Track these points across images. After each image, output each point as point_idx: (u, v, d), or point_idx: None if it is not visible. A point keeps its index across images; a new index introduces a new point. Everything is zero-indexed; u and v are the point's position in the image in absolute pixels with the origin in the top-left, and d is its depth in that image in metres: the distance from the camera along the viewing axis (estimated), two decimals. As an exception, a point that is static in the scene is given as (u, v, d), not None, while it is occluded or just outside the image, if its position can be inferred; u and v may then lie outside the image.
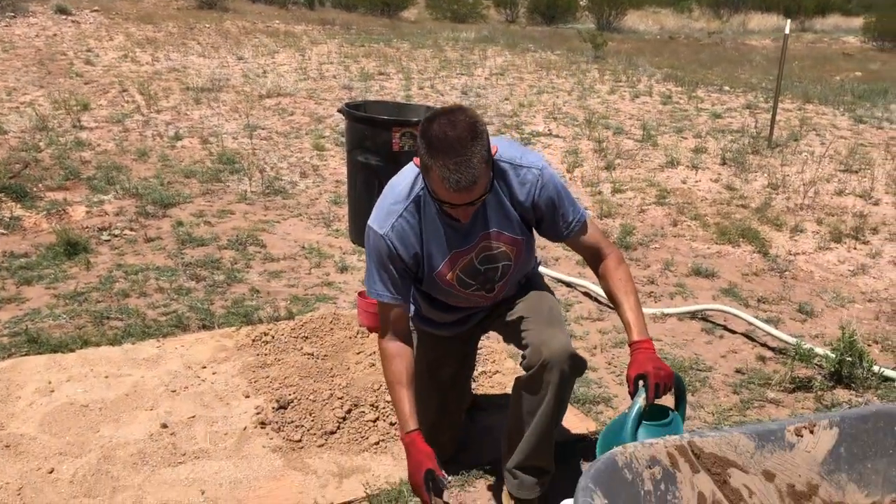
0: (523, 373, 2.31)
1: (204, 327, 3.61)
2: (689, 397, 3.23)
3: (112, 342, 3.35)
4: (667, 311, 4.04)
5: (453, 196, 2.04)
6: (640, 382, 2.10)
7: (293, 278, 4.28)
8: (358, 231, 4.83)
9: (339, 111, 4.96)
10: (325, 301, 3.99)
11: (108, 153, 6.58)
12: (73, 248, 4.38)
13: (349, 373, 3.10)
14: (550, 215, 2.29)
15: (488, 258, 2.33)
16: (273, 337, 3.41)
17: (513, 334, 2.41)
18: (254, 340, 3.41)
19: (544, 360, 2.23)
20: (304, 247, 4.74)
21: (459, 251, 2.31)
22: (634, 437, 2.02)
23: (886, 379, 3.37)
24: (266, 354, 3.29)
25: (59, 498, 2.40)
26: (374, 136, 4.53)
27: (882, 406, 1.89)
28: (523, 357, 2.31)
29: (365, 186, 4.66)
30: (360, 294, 3.60)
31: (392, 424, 2.87)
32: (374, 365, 3.16)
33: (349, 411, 2.88)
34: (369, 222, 2.28)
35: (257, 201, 5.59)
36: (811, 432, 1.77)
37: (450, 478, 2.63)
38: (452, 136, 1.99)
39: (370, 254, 2.28)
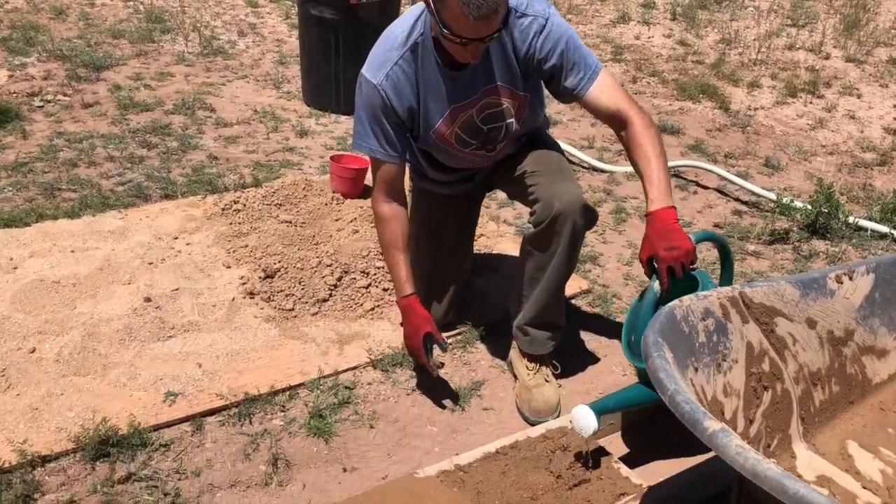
0: (531, 228, 2.23)
1: (166, 196, 3.38)
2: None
3: (70, 215, 3.11)
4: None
5: (472, 27, 1.86)
6: (655, 265, 1.97)
7: (251, 143, 4.04)
8: (314, 92, 4.57)
9: (286, -40, 4.57)
10: (289, 167, 3.79)
11: (20, 11, 5.98)
12: (3, 116, 4.01)
13: (333, 240, 2.97)
14: (560, 70, 2.13)
15: (491, 116, 2.19)
16: (244, 205, 3.22)
17: (520, 190, 2.30)
18: (223, 209, 3.22)
19: (556, 213, 2.14)
20: (256, 110, 4.46)
21: (459, 106, 2.16)
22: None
23: (859, 228, 3.45)
24: (240, 223, 3.12)
25: (46, 377, 2.25)
26: (329, -14, 4.20)
27: (915, 251, 1.90)
28: (532, 213, 2.22)
29: (319, 43, 4.37)
30: (333, 158, 3.44)
31: (386, 290, 2.78)
32: (357, 231, 3.03)
33: (340, 278, 2.77)
34: (362, 70, 2.12)
35: (197, 62, 5.20)
36: (850, 279, 1.77)
37: (450, 340, 2.59)
38: None
39: (362, 106, 2.14)
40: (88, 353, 2.35)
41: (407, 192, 2.38)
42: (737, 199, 3.81)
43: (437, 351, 2.30)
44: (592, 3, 7.48)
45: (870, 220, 3.47)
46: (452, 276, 2.56)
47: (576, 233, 2.18)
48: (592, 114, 2.22)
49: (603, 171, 3.97)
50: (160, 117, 4.24)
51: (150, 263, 2.79)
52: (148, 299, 2.59)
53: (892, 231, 3.39)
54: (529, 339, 2.36)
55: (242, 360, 2.42)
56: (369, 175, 3.43)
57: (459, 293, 2.61)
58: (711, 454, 2.05)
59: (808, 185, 4.06)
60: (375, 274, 2.82)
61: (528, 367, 2.37)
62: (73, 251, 2.83)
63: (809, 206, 3.42)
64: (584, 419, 1.87)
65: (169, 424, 2.17)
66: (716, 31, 6.79)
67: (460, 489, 1.92)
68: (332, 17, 4.26)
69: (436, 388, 2.39)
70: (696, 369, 1.51)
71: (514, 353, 2.45)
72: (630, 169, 3.70)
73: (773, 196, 3.58)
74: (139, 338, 2.45)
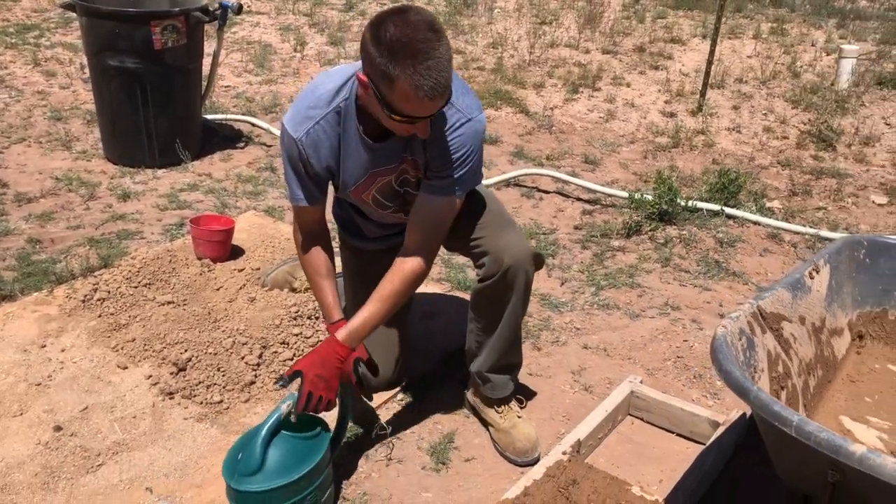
0: (480, 282, 2.19)
1: (4, 298, 2.89)
2: (552, 260, 3.37)
3: None
4: (486, 181, 4.10)
5: (425, 106, 1.79)
6: (296, 382, 1.96)
7: (72, 218, 3.57)
8: (121, 148, 4.16)
9: (64, 6, 4.09)
10: (131, 238, 3.41)
11: None
12: None
13: (232, 314, 2.73)
14: (438, 162, 2.02)
15: (407, 181, 2.14)
16: (108, 292, 2.85)
17: (462, 244, 2.24)
18: (84, 300, 2.82)
19: (507, 267, 2.12)
20: (57, 178, 3.94)
21: (377, 171, 2.10)
22: (266, 448, 1.85)
23: (695, 210, 3.82)
24: (112, 314, 2.75)
25: (-30, 557, 1.85)
26: (129, 34, 3.83)
27: (847, 237, 2.15)
28: (480, 265, 2.19)
29: (124, 94, 3.99)
30: (193, 222, 3.16)
31: (312, 357, 2.61)
32: (254, 300, 2.82)
33: (260, 355, 2.56)
34: (284, 120, 2.06)
35: (-46, 130, 4.49)
36: (818, 272, 1.96)
37: (400, 397, 2.51)
38: (418, 38, 1.72)
39: (283, 151, 2.10)
40: (10, 511, 1.96)
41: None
42: (578, 199, 4.05)
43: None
44: (356, 19, 7.50)
45: (701, 201, 3.86)
46: (396, 329, 2.45)
47: (528, 281, 2.19)
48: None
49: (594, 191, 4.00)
50: (-57, 203, 3.60)
51: (38, 384, 2.38)
52: (58, 428, 2.21)
53: (723, 208, 3.80)
54: (491, 386, 2.34)
55: (195, 472, 2.15)
56: (235, 233, 3.23)
57: (406, 346, 2.50)
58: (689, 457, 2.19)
59: (627, 175, 4.42)
60: (296, 342, 2.63)
61: (497, 411, 2.35)
62: (-76, 390, 2.34)
63: (651, 198, 3.72)
64: None
65: (150, 569, 1.88)
66: (481, 35, 7.12)
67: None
68: (136, 65, 3.88)
69: (412, 452, 2.29)
70: (747, 387, 1.61)
71: (475, 399, 2.42)
72: (615, 192, 3.88)
73: (625, 194, 3.85)
74: (64, 475, 2.08)
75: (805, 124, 5.21)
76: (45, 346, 2.60)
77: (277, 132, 4.67)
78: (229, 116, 4.88)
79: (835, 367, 2.03)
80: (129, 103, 3.97)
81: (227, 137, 4.62)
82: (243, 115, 4.94)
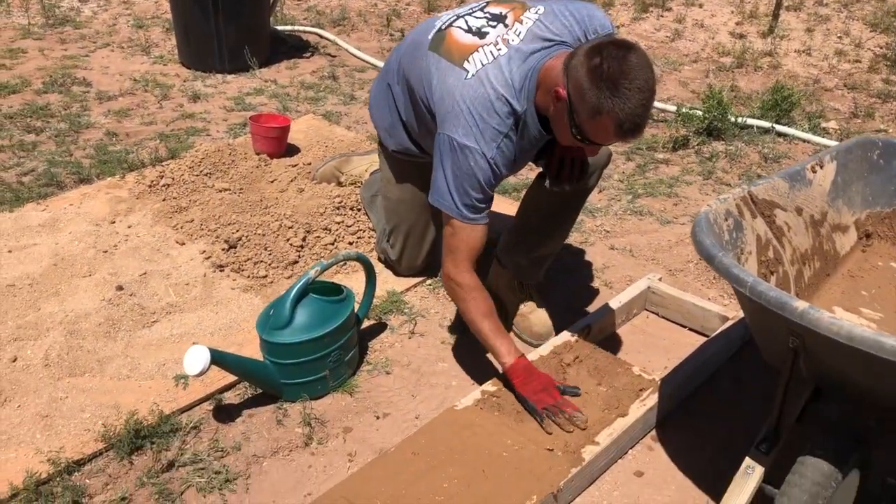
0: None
1: (82, 181, 3.19)
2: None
3: (-17, 214, 2.88)
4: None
5: (617, 139, 1.86)
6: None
7: (146, 115, 3.84)
8: (194, 54, 4.39)
9: (143, -85, 4.29)
10: (198, 134, 3.66)
11: None
12: None
13: (282, 202, 2.94)
14: None
15: None
16: (173, 179, 3.10)
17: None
18: (151, 186, 3.09)
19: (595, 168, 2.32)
20: (135, 80, 4.22)
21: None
22: (294, 307, 2.07)
23: (745, 127, 3.82)
24: (175, 198, 3.01)
25: (42, 383, 2.14)
26: (201, -58, 4.00)
27: (860, 137, 2.18)
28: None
29: (195, 2, 4.18)
30: (252, 118, 3.36)
31: (351, 244, 2.81)
32: (303, 191, 3.02)
33: (304, 238, 2.77)
34: (463, 139, 1.97)
35: (46, 35, 4.82)
36: (821, 167, 2.02)
37: (429, 282, 2.69)
38: (639, 78, 1.75)
39: (463, 174, 1.99)
40: (77, 352, 2.25)
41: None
42: (631, 114, 4.08)
43: None
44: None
45: (752, 118, 3.85)
46: (434, 223, 2.60)
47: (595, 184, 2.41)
48: None
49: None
50: (33, 98, 3.93)
51: (105, 251, 2.66)
52: (120, 287, 2.49)
53: (773, 125, 3.78)
54: (526, 269, 2.48)
55: (237, 333, 2.40)
56: (292, 133, 3.44)
57: (438, 239, 2.65)
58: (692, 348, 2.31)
59: (685, 92, 4.41)
60: (338, 229, 2.84)
61: (519, 296, 2.50)
62: (10, 251, 2.65)
63: (700, 113, 3.73)
64: (195, 359, 1.95)
65: (190, 406, 2.14)
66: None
67: (500, 412, 2.05)
68: (207, -27, 4.08)
69: (434, 328, 2.48)
70: (729, 264, 1.71)
71: (501, 281, 2.55)
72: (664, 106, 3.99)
73: (672, 108, 3.87)
74: (124, 328, 2.36)
75: (881, 48, 5.04)
76: (114, 222, 2.88)
77: (343, 44, 4.83)
78: (297, 28, 5.06)
79: (836, 262, 2.09)
80: (201, 11, 4.18)
81: (294, 47, 4.81)
82: (312, 27, 5.11)
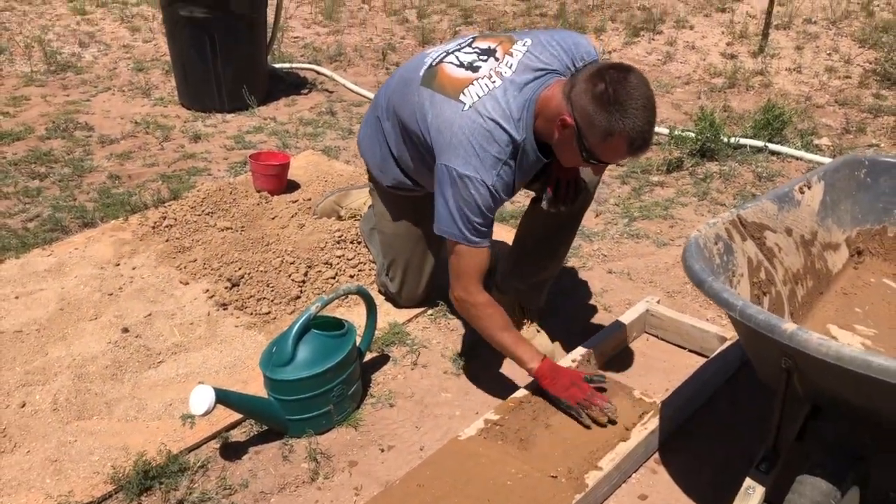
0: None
1: (86, 225, 3.24)
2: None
3: (-11, 261, 2.93)
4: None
5: (627, 156, 1.98)
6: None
7: (148, 157, 3.90)
8: (193, 95, 4.46)
9: (140, -38, 4.39)
10: (199, 174, 3.71)
11: None
12: None
13: (283, 238, 2.99)
14: None
15: None
16: (175, 220, 3.15)
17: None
18: (154, 227, 3.14)
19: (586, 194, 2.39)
20: (136, 122, 4.29)
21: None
22: (296, 343, 2.11)
23: (738, 146, 3.86)
24: (178, 238, 3.06)
25: (50, 428, 2.17)
26: (197, -15, 4.09)
27: (847, 156, 2.22)
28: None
29: (192, 44, 4.26)
30: (252, 157, 3.42)
31: (352, 277, 2.85)
32: (303, 226, 3.07)
33: (306, 273, 2.81)
34: (463, 169, 2.03)
35: (48, 81, 4.90)
36: (809, 188, 2.06)
37: (430, 313, 2.72)
38: (645, 97, 1.86)
39: (465, 201, 2.05)
40: (84, 395, 2.28)
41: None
42: (625, 138, 4.13)
43: None
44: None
45: (745, 137, 3.89)
46: (432, 254, 2.64)
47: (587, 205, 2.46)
48: None
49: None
50: (37, 144, 3.99)
51: (110, 294, 2.71)
52: (126, 330, 2.52)
53: (766, 144, 3.83)
54: (526, 294, 2.52)
55: (241, 371, 2.43)
56: (292, 169, 3.49)
57: (436, 269, 2.70)
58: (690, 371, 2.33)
59: (678, 115, 4.46)
60: (339, 263, 2.88)
61: (521, 323, 2.53)
62: (17, 297, 2.69)
63: (693, 135, 3.78)
64: (200, 399, 1.98)
65: (198, 445, 2.17)
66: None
67: (504, 441, 2.07)
68: (204, 15, 4.16)
69: (436, 359, 2.51)
70: (720, 288, 1.74)
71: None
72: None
73: (665, 130, 3.92)
74: (130, 369, 2.40)
75: (870, 63, 5.10)
76: (118, 264, 2.92)
77: (340, 79, 4.91)
78: (295, 65, 5.14)
79: (828, 280, 2.12)
80: (199, 53, 4.26)
81: (292, 84, 4.89)
82: (309, 63, 5.19)
